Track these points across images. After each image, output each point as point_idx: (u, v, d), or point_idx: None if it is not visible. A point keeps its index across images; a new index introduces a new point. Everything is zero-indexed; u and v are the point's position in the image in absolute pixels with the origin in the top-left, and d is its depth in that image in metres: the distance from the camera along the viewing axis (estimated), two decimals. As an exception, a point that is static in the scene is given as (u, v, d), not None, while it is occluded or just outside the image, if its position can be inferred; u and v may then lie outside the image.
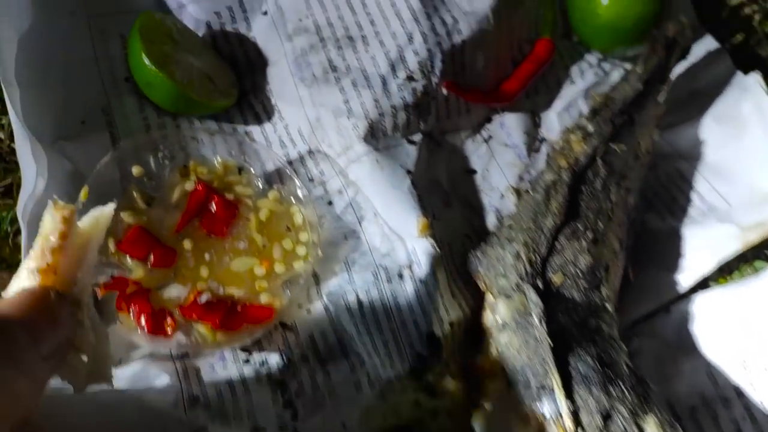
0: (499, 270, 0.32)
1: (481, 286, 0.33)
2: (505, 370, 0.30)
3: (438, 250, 0.34)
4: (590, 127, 0.35)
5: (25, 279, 0.23)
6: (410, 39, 0.37)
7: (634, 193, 0.35)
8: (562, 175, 0.33)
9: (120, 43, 0.38)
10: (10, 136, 0.36)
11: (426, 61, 0.37)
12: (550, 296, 0.29)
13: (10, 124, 0.34)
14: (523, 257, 0.31)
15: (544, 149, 0.40)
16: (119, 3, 0.39)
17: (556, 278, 0.30)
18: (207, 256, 0.33)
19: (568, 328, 0.28)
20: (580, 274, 0.30)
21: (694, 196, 0.38)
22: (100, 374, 0.24)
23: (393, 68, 0.36)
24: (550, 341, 0.28)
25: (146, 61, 0.34)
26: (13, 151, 0.36)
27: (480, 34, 0.38)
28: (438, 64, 0.37)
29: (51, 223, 0.24)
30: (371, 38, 0.37)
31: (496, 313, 0.31)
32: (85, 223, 0.25)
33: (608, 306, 0.29)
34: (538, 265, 0.31)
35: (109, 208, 0.26)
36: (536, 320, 0.28)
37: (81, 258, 0.24)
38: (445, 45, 0.37)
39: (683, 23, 0.38)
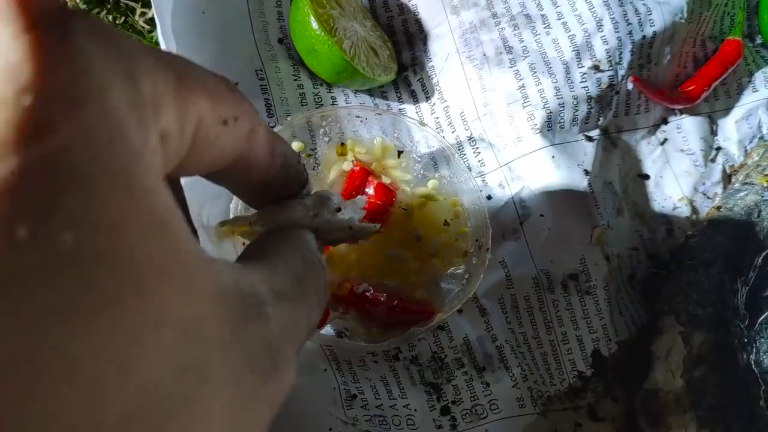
0: (692, 296, 0.28)
1: (662, 309, 0.30)
2: (695, 406, 0.27)
3: (611, 262, 0.31)
4: None
5: None
6: (599, 25, 0.33)
7: None
8: (764, 195, 0.30)
9: None
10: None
11: (615, 50, 0.33)
12: (756, 333, 0.26)
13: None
14: (728, 285, 0.27)
15: (720, 159, 0.36)
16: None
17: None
18: (360, 242, 0.31)
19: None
20: None
21: None
22: None
23: (578, 55, 0.33)
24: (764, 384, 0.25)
25: (314, 25, 0.31)
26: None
27: (672, 27, 0.34)
28: (627, 56, 0.33)
29: None
30: (553, 20, 0.34)
31: (689, 344, 0.27)
32: None
33: None
34: (743, 297, 0.27)
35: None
36: (744, 359, 0.25)
37: None
38: (636, 35, 0.33)
39: None
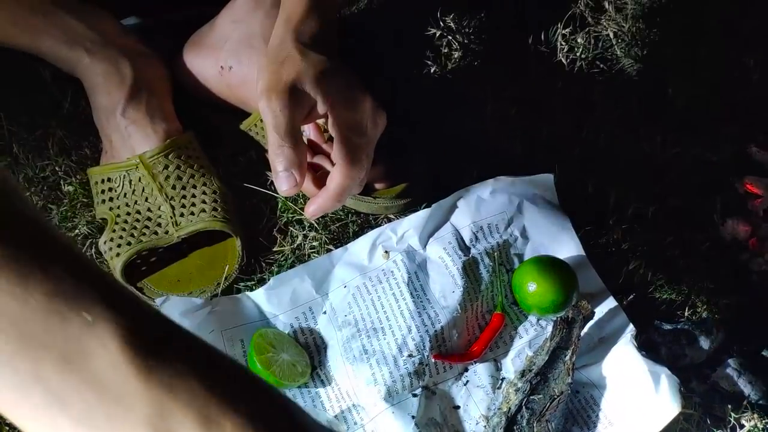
0: None
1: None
2: None
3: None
4: (519, 384, 0.57)
5: None
6: (409, 330, 0.62)
7: (555, 420, 0.56)
8: (502, 417, 0.55)
9: (241, 346, 0.65)
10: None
11: (419, 343, 0.61)
12: None
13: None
14: None
15: (504, 386, 0.62)
16: (237, 319, 0.66)
17: None
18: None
19: None
20: None
21: (601, 414, 0.58)
22: None
23: (400, 350, 0.61)
24: None
25: (259, 367, 0.60)
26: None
27: (453, 320, 0.63)
28: (427, 344, 0.61)
29: None
30: (386, 330, 0.63)
31: None
32: None
33: None
34: None
35: None
36: None
37: None
38: (431, 331, 0.62)
39: (581, 306, 0.61)
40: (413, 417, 0.58)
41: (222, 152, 0.80)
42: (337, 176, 0.59)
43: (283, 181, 0.60)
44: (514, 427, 0.55)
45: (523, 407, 0.55)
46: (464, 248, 0.68)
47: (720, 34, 0.91)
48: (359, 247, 0.69)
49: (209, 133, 0.79)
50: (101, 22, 0.78)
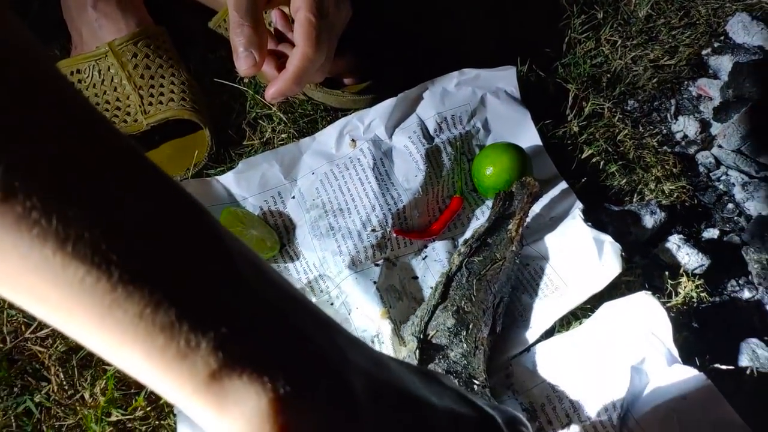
0: (408, 329, 0.57)
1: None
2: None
3: (393, 325, 0.60)
4: (462, 249, 0.61)
5: None
6: (373, 208, 0.65)
7: (498, 283, 0.60)
8: (443, 278, 0.60)
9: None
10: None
11: (383, 220, 0.65)
12: (428, 344, 0.55)
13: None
14: (416, 321, 0.57)
15: (456, 260, 0.66)
16: (206, 200, 0.69)
17: (431, 331, 0.55)
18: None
19: (438, 362, 0.53)
20: (446, 330, 0.55)
21: (548, 280, 0.62)
22: None
23: (364, 226, 0.65)
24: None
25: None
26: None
27: (414, 200, 0.66)
28: (389, 221, 0.65)
29: None
30: (352, 209, 0.66)
31: (400, 352, 0.56)
32: None
33: (466, 347, 0.54)
34: (422, 325, 0.56)
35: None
36: (415, 358, 0.53)
37: None
38: (393, 209, 0.65)
39: (526, 182, 0.64)
40: (375, 282, 0.62)
41: (192, 51, 0.81)
42: (296, 57, 0.61)
43: (242, 60, 0.61)
44: (453, 284, 0.59)
45: (464, 267, 0.60)
46: (428, 137, 0.71)
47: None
48: (326, 136, 0.72)
49: (179, 32, 0.80)
50: None
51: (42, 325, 0.59)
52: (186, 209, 0.25)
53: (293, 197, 0.70)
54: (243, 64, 0.61)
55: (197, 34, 0.81)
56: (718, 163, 0.76)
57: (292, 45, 0.67)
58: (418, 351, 0.53)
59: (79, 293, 0.21)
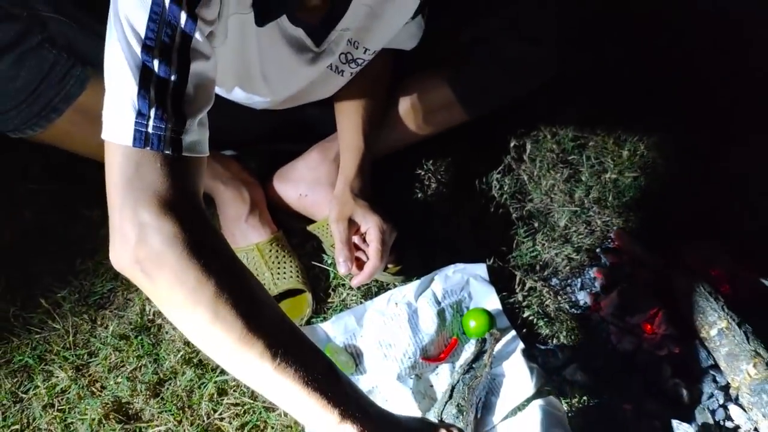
0: (430, 415, 1.09)
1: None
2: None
3: (421, 414, 1.11)
4: (459, 371, 1.14)
5: None
6: (408, 345, 1.18)
7: (479, 389, 1.11)
8: (448, 388, 1.12)
9: (317, 352, 1.19)
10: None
11: (414, 352, 1.18)
12: (441, 422, 1.06)
13: None
14: (436, 410, 1.08)
15: (453, 374, 1.18)
16: (314, 339, 1.21)
17: (443, 415, 1.06)
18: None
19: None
20: (451, 414, 1.06)
21: (503, 389, 1.15)
22: None
23: (404, 355, 1.17)
24: None
25: (331, 360, 1.15)
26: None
27: (431, 340, 1.20)
28: (418, 352, 1.18)
29: None
30: (396, 345, 1.19)
31: None
32: None
33: (463, 424, 1.05)
34: (439, 413, 1.08)
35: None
36: None
37: None
38: (420, 345, 1.18)
39: (493, 333, 1.18)
40: (410, 388, 1.14)
41: (296, 242, 1.37)
42: (369, 266, 1.17)
43: (342, 267, 1.17)
44: (454, 390, 1.11)
45: (460, 381, 1.12)
46: (437, 302, 1.26)
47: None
48: (380, 300, 1.26)
49: (289, 231, 1.36)
50: (230, 164, 1.36)
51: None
52: (324, 356, 0.80)
53: (362, 336, 1.22)
54: (343, 269, 1.17)
55: (300, 233, 1.37)
56: (603, 319, 1.32)
57: (364, 252, 1.24)
58: (439, 424, 1.05)
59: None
